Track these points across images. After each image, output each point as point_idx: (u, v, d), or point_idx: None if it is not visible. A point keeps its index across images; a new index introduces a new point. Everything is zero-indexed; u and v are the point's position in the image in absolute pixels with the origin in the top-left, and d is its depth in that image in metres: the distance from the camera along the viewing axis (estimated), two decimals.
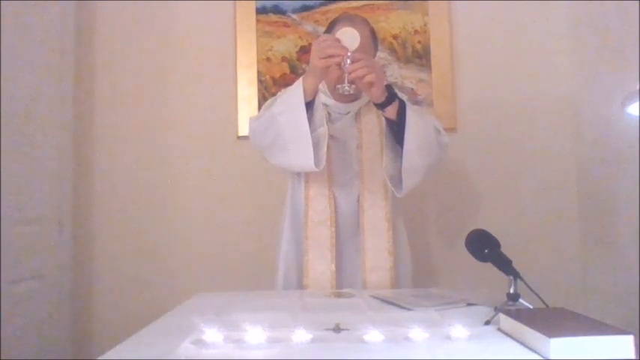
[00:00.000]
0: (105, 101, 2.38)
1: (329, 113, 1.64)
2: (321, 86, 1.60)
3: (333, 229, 1.60)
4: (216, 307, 1.25)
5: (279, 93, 1.66)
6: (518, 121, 2.31)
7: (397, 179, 1.53)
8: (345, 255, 1.60)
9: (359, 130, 1.65)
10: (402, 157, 1.47)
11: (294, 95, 1.43)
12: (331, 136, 1.59)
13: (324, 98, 1.62)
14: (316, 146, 1.43)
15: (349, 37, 1.38)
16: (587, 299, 2.19)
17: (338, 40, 1.38)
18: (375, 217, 1.60)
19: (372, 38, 1.61)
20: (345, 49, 1.37)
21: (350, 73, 1.37)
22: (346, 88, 1.36)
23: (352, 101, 1.64)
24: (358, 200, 1.62)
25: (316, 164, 1.44)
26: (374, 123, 1.65)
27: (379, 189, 1.61)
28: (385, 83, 1.48)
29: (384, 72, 1.48)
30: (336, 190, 1.63)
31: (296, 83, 1.46)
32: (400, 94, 1.55)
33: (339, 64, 1.39)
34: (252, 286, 2.03)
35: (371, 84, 1.41)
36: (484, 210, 2.27)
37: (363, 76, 1.38)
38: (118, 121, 2.37)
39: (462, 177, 2.32)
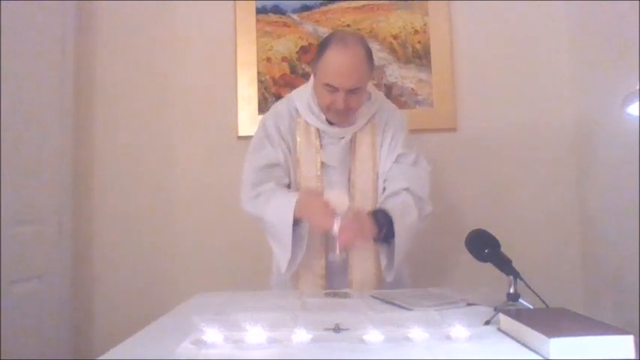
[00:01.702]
0: (105, 101, 2.38)
1: (321, 137, 1.61)
2: (315, 109, 1.59)
3: (323, 261, 1.59)
4: (216, 307, 1.25)
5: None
6: (518, 120, 2.31)
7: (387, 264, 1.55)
8: (336, 284, 1.57)
9: (352, 157, 1.62)
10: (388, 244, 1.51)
11: (283, 224, 1.48)
12: (324, 163, 1.60)
13: (319, 124, 1.60)
14: (293, 252, 1.50)
15: (338, 199, 1.38)
16: (587, 299, 2.19)
17: (327, 203, 1.38)
18: (364, 248, 1.58)
19: (368, 58, 1.52)
20: (333, 215, 1.37)
21: (340, 243, 1.36)
22: (337, 256, 1.36)
23: (347, 126, 1.60)
24: None
25: (286, 269, 1.53)
26: (368, 152, 1.62)
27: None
28: (374, 234, 1.46)
29: (373, 226, 1.46)
30: None
31: (289, 204, 1.46)
32: (388, 209, 1.51)
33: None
34: (252, 286, 2.03)
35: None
36: (484, 210, 2.27)
37: (354, 242, 1.40)
38: (118, 121, 2.37)
39: (462, 177, 2.31)
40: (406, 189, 1.57)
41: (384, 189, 1.62)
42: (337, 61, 1.47)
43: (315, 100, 1.59)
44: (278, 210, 1.51)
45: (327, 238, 1.57)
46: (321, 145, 1.62)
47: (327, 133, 1.62)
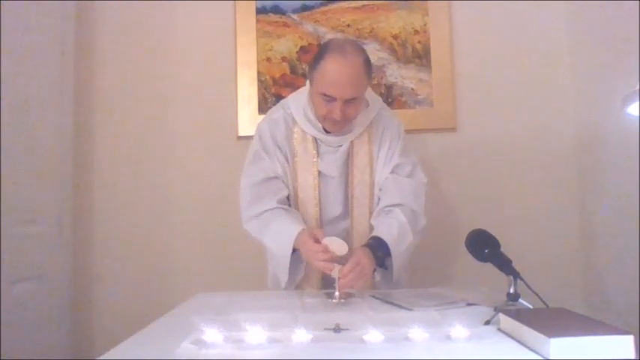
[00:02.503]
0: (105, 101, 2.38)
1: (318, 146, 1.60)
2: (311, 117, 1.57)
3: (319, 274, 1.58)
4: (216, 307, 1.25)
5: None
6: (518, 120, 2.31)
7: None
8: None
9: (350, 166, 1.61)
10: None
11: (281, 255, 1.48)
12: (321, 172, 1.59)
13: (315, 132, 1.58)
14: (291, 274, 1.52)
15: (337, 244, 1.37)
16: (587, 299, 2.19)
17: (326, 247, 1.36)
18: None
19: (366, 67, 1.47)
20: (332, 258, 1.36)
21: (340, 288, 1.33)
22: (335, 300, 1.32)
23: (344, 134, 1.58)
24: (347, 236, 1.59)
25: (285, 287, 1.54)
26: (365, 160, 1.61)
27: (367, 230, 1.59)
28: (374, 269, 1.45)
29: (373, 272, 1.45)
30: (326, 226, 1.60)
31: (289, 237, 1.45)
32: (384, 236, 1.48)
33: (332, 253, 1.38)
34: (252, 286, 2.03)
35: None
36: (484, 210, 2.27)
37: (354, 286, 1.38)
38: (118, 121, 2.37)
39: (462, 177, 2.31)
40: (400, 204, 1.55)
41: (379, 199, 1.61)
42: (335, 71, 1.42)
43: (311, 108, 1.57)
44: (278, 239, 1.50)
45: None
46: (318, 154, 1.60)
47: (324, 142, 1.60)
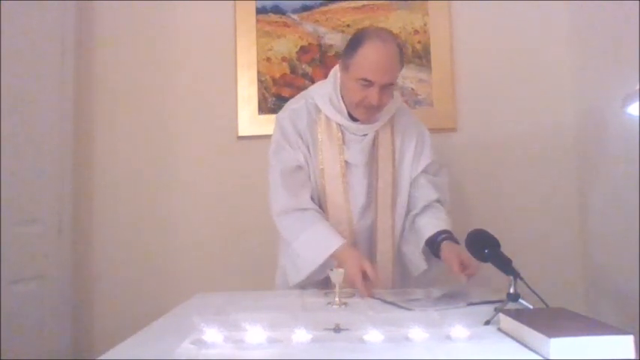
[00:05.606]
0: (105, 101, 2.38)
1: (343, 134, 1.60)
2: (336, 103, 1.57)
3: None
4: (216, 307, 1.25)
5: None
6: (518, 120, 2.31)
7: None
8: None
9: (375, 155, 1.61)
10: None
11: (309, 263, 1.50)
12: (346, 161, 1.60)
13: (339, 118, 1.58)
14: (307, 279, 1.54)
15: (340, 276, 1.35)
16: (587, 299, 2.19)
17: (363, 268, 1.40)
18: (386, 250, 1.60)
19: (400, 54, 1.51)
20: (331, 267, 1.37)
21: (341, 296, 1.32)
22: (335, 305, 1.29)
23: (372, 122, 1.59)
24: (372, 228, 1.61)
25: (295, 285, 1.56)
26: (389, 151, 1.62)
27: (388, 226, 1.61)
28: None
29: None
30: (353, 216, 1.60)
31: (325, 249, 1.47)
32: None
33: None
34: (252, 286, 2.03)
35: None
36: (484, 210, 2.27)
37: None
38: (118, 121, 2.37)
39: (462, 177, 2.31)
40: (438, 200, 1.63)
41: (414, 197, 1.65)
42: (375, 56, 1.46)
43: (337, 95, 1.58)
44: (311, 248, 1.51)
45: (350, 223, 1.61)
46: (344, 142, 1.60)
47: (349, 129, 1.60)
